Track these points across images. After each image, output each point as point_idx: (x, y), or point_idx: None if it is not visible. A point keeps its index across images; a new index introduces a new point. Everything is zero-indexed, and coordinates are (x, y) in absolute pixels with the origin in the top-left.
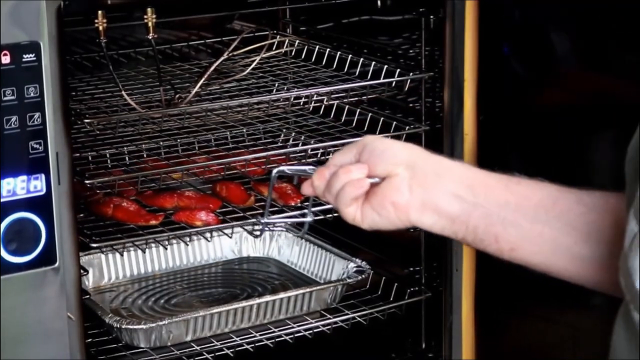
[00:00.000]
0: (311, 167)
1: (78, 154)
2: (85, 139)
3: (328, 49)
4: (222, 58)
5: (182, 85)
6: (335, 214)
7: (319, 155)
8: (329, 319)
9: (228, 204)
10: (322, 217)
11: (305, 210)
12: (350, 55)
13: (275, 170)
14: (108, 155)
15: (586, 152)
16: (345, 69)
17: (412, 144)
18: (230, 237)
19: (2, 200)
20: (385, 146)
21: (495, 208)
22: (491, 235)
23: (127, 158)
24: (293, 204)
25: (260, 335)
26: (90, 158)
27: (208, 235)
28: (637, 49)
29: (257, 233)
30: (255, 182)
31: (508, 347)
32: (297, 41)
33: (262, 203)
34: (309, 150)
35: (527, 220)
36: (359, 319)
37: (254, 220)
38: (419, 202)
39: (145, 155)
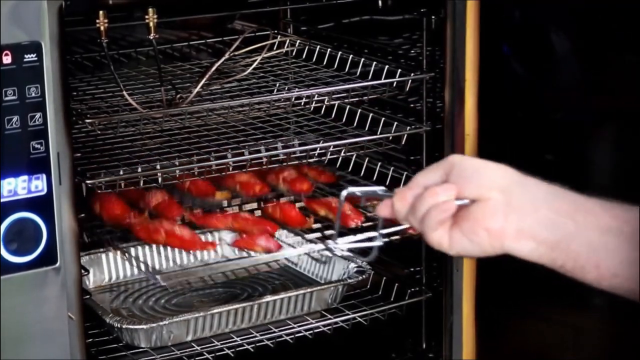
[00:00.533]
0: (382, 188)
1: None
2: (86, 139)
3: (329, 49)
4: (223, 58)
5: (183, 85)
6: (404, 236)
7: (317, 155)
8: (330, 319)
9: (284, 226)
10: (388, 240)
11: (375, 233)
12: (351, 56)
13: (344, 192)
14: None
15: (586, 152)
16: (346, 69)
17: (505, 165)
18: (296, 265)
19: (3, 200)
20: (477, 166)
21: (597, 233)
22: (592, 262)
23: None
24: (354, 226)
25: (261, 335)
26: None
27: (273, 263)
28: (637, 49)
29: (324, 260)
30: (308, 200)
31: (508, 347)
32: (298, 41)
33: (319, 225)
34: (310, 150)
35: (630, 244)
36: (359, 319)
37: (320, 245)
38: (514, 228)
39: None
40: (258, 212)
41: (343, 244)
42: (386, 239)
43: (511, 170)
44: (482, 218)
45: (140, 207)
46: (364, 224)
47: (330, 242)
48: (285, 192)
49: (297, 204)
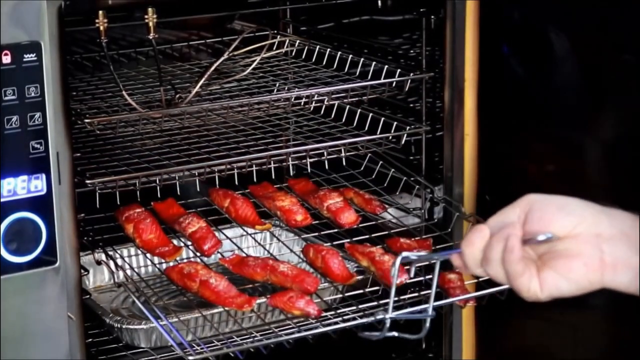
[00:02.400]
0: (440, 254)
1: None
2: (86, 139)
3: (328, 49)
4: (222, 58)
5: (183, 85)
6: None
7: (316, 156)
8: (330, 319)
9: (325, 278)
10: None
11: (426, 305)
12: (350, 55)
13: (398, 258)
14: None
15: (586, 152)
16: (346, 69)
17: (582, 199)
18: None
19: (3, 200)
20: (560, 203)
21: None
22: None
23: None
24: (398, 284)
25: (261, 335)
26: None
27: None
28: (636, 49)
29: (376, 333)
30: (351, 246)
31: (508, 347)
32: (298, 41)
33: (362, 277)
34: (309, 150)
35: None
36: (359, 319)
37: (371, 318)
38: (612, 258)
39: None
40: (296, 248)
41: (397, 315)
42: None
43: (591, 203)
44: (577, 253)
45: (176, 231)
46: (409, 280)
47: (384, 313)
48: (329, 222)
49: (338, 242)
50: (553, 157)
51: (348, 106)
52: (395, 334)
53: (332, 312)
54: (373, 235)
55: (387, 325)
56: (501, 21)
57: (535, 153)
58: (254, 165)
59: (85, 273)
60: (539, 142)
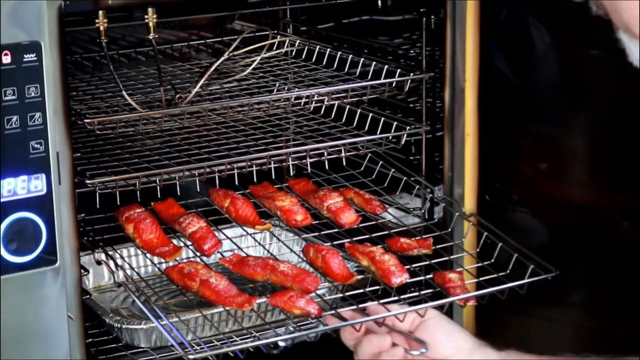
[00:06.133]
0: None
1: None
2: (86, 139)
3: (328, 49)
4: (222, 58)
5: (183, 85)
6: None
7: (316, 156)
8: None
9: (326, 278)
10: None
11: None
12: (350, 56)
13: None
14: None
15: (586, 152)
16: (346, 69)
17: (470, 335)
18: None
19: (3, 200)
20: (451, 329)
21: None
22: None
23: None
24: (396, 283)
25: (261, 335)
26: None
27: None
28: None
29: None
30: (351, 246)
31: (508, 347)
32: (298, 41)
33: (362, 276)
34: (309, 150)
35: None
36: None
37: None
38: None
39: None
40: (296, 248)
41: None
42: None
43: (472, 338)
44: None
45: (176, 231)
46: (409, 280)
47: None
48: (329, 222)
49: (338, 242)
50: (552, 157)
51: (348, 106)
52: None
53: (333, 312)
54: (373, 235)
55: None
56: (499, 21)
57: (536, 153)
58: (254, 165)
59: (85, 273)
60: (539, 143)
